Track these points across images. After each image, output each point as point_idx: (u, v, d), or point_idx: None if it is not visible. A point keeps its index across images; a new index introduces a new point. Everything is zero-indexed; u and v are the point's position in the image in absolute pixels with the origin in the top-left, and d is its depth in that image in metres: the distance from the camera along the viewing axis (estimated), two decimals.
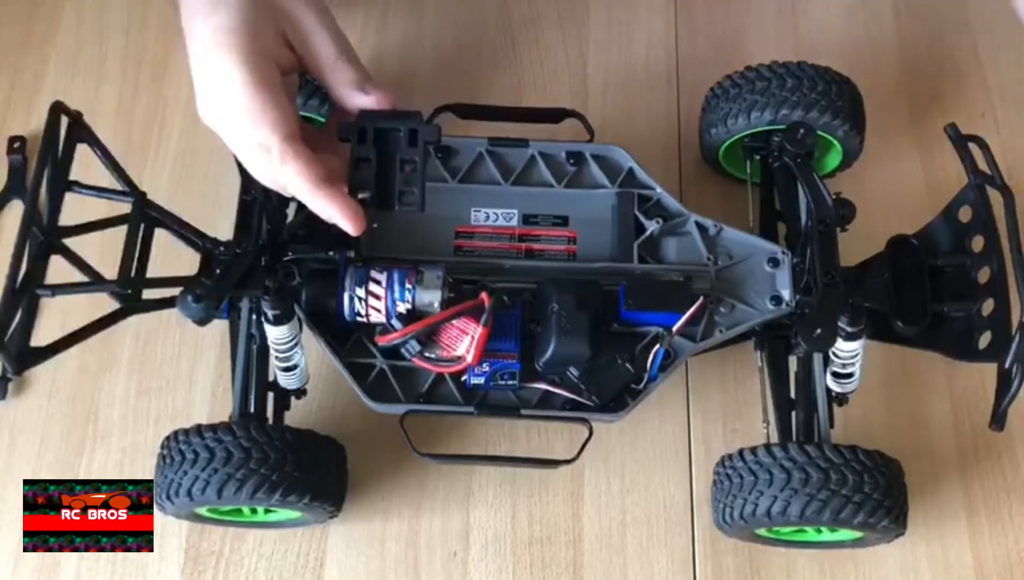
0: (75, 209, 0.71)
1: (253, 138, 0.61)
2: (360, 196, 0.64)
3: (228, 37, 0.60)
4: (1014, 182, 0.71)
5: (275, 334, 0.68)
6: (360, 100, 0.65)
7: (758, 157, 0.82)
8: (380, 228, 0.75)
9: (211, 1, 0.61)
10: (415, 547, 0.78)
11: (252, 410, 0.71)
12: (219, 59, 0.60)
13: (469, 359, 0.68)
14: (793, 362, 0.75)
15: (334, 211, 0.62)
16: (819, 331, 0.67)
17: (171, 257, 0.75)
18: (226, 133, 0.62)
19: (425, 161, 0.65)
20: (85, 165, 0.71)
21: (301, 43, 0.64)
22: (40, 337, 0.70)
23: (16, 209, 0.86)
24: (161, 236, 0.73)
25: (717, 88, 0.83)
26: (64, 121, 0.70)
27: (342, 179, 0.64)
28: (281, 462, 0.67)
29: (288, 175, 0.61)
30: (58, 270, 0.69)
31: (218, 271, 0.69)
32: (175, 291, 0.66)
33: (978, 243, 0.71)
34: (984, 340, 0.69)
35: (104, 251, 0.70)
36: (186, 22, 0.63)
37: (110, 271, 0.68)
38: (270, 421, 0.73)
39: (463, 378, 0.71)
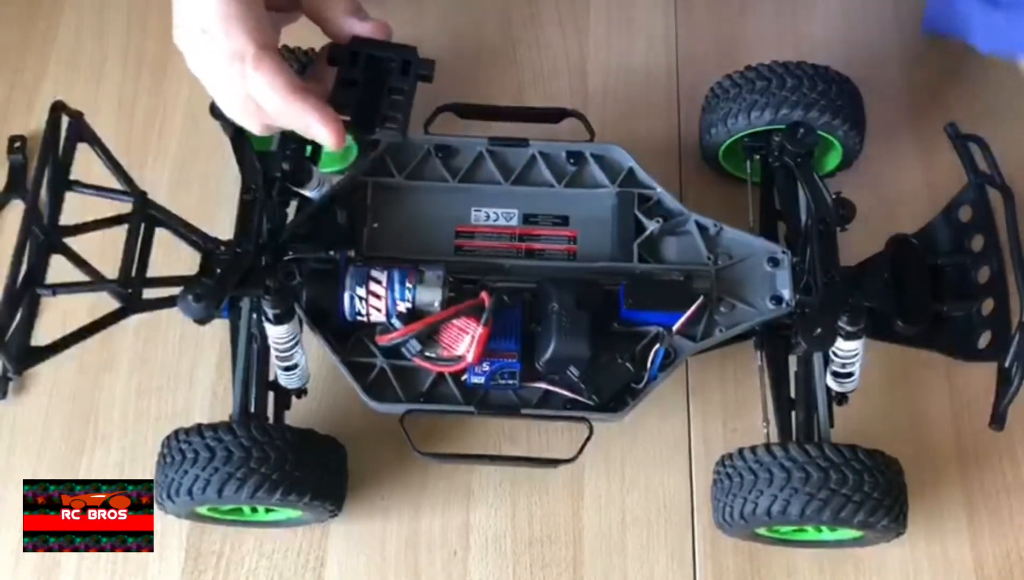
0: (76, 209, 0.71)
1: (226, 48, 0.57)
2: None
3: None
4: (1014, 182, 0.71)
5: (275, 333, 0.68)
6: (357, 27, 0.61)
7: (758, 157, 0.82)
8: (380, 228, 0.76)
9: None
10: (415, 547, 0.78)
11: (253, 409, 0.71)
12: None
13: (469, 359, 0.68)
14: (793, 362, 0.75)
15: (311, 119, 0.58)
16: (819, 331, 0.67)
17: (171, 257, 0.74)
18: (199, 49, 0.58)
19: (414, 92, 0.62)
20: (85, 165, 0.71)
21: None
22: (40, 337, 0.70)
23: (16, 209, 0.86)
24: (161, 236, 0.73)
25: (717, 88, 0.83)
26: (64, 121, 0.70)
27: (323, 98, 0.60)
28: (281, 461, 0.67)
29: (259, 83, 0.57)
30: (58, 270, 0.69)
31: (218, 271, 0.69)
32: (175, 291, 0.66)
33: (978, 243, 0.71)
34: (984, 340, 0.69)
35: (104, 251, 0.70)
36: None
37: (110, 271, 0.68)
38: (270, 420, 0.73)
39: (463, 377, 0.71)
